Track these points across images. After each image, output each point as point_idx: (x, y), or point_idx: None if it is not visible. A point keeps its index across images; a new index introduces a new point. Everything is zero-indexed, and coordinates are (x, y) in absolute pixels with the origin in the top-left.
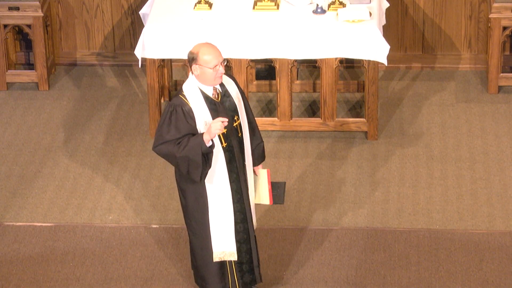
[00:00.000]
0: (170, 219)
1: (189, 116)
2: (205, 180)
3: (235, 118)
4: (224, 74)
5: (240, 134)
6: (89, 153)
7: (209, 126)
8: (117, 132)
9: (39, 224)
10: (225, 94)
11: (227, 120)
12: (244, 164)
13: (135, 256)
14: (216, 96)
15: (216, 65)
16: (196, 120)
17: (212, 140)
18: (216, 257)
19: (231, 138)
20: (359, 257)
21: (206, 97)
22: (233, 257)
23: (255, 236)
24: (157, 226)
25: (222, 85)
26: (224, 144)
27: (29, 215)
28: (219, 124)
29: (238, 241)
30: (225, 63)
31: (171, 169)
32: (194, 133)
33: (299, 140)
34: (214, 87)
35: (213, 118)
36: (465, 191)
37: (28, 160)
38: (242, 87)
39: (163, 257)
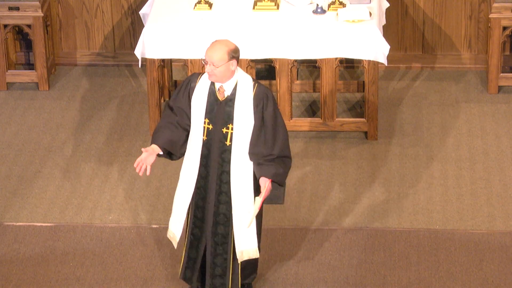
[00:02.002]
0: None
1: (189, 92)
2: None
3: (228, 126)
4: (262, 89)
5: (228, 143)
6: (89, 153)
7: (148, 153)
8: (117, 132)
9: (39, 224)
10: (231, 99)
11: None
12: (222, 174)
13: (135, 256)
14: (221, 96)
15: (205, 60)
16: (192, 100)
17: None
18: (167, 235)
19: (212, 142)
20: (359, 257)
21: (213, 90)
22: (174, 241)
23: (233, 255)
24: (157, 226)
25: (235, 91)
26: (204, 138)
27: (29, 215)
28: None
29: (192, 234)
30: (206, 64)
31: (171, 169)
32: (185, 109)
33: (299, 140)
34: (220, 86)
35: (207, 111)
36: (465, 191)
37: (28, 160)
38: None
39: (163, 257)
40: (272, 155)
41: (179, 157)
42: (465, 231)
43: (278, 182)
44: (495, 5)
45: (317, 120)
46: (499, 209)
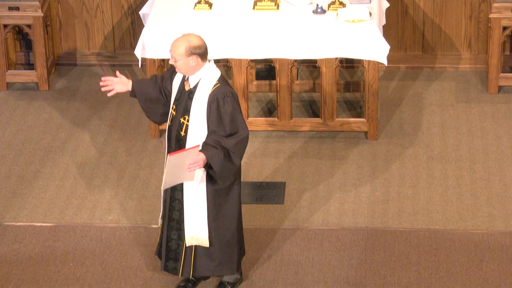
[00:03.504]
0: None
1: (172, 74)
2: None
3: (185, 116)
4: (222, 90)
5: (183, 133)
6: (89, 153)
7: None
8: (117, 132)
9: (39, 224)
10: (192, 93)
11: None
12: None
13: (135, 256)
14: (187, 86)
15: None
16: (172, 83)
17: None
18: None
19: (172, 128)
20: (359, 257)
21: (184, 79)
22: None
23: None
24: (157, 226)
25: (196, 87)
26: (169, 123)
27: (29, 215)
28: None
29: (162, 218)
30: (172, 59)
31: None
32: (168, 80)
33: (299, 140)
34: (186, 78)
35: (176, 98)
36: (465, 191)
37: (28, 160)
38: (242, 87)
39: None
40: (219, 143)
41: (151, 118)
42: (465, 231)
43: (209, 160)
44: (495, 5)
45: (317, 120)
46: (499, 209)
